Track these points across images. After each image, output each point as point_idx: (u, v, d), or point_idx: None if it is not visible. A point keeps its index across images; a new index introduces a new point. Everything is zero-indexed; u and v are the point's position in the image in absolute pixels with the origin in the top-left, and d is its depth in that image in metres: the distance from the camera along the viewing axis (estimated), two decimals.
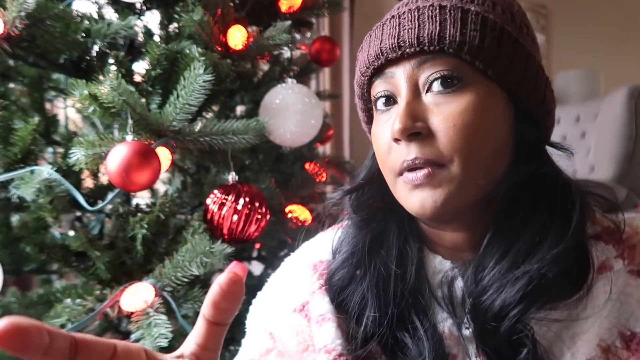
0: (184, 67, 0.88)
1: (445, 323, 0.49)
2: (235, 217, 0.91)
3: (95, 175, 1.04)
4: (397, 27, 0.46)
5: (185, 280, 0.87)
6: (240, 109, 1.19)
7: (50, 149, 1.11)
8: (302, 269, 0.57)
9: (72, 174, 0.91)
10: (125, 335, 1.06)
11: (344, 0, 1.28)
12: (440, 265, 0.51)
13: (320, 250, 0.57)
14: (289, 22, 1.05)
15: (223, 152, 0.93)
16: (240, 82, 1.14)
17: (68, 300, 0.87)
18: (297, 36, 1.28)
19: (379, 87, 0.49)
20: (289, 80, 1.12)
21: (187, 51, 0.92)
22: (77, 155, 0.83)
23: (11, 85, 1.08)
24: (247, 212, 0.92)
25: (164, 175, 1.12)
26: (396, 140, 0.45)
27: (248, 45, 1.01)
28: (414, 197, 0.45)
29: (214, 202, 0.92)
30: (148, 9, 1.09)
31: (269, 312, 0.57)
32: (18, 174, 0.86)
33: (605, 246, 0.47)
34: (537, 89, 0.48)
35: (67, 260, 0.95)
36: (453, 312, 0.48)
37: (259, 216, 0.93)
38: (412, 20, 0.45)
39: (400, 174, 0.46)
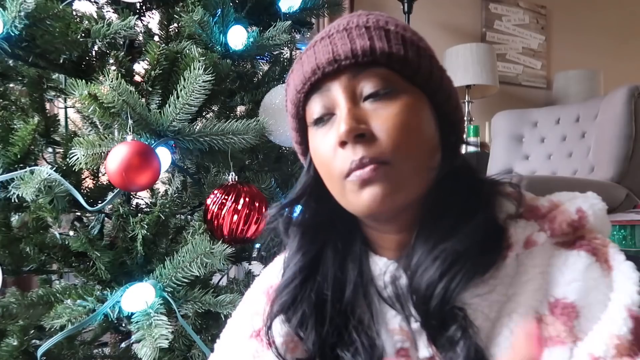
0: (184, 67, 0.88)
1: (395, 320, 0.52)
2: (235, 218, 0.91)
3: (95, 175, 1.04)
4: (329, 45, 0.50)
5: (186, 280, 0.87)
6: (240, 109, 1.19)
7: (50, 149, 1.10)
8: (257, 296, 0.61)
9: (72, 174, 0.91)
10: (126, 335, 1.06)
11: (344, 1, 1.28)
12: (385, 266, 0.54)
13: (272, 276, 0.61)
14: (289, 22, 1.05)
15: (223, 152, 0.93)
16: (240, 82, 1.14)
17: (68, 301, 0.87)
18: (297, 36, 1.28)
19: (316, 103, 0.51)
20: None
21: (187, 51, 0.92)
22: (77, 155, 0.83)
23: (11, 85, 1.08)
24: (247, 212, 0.92)
25: (164, 175, 1.12)
26: (342, 144, 0.48)
27: (248, 45, 1.01)
28: (364, 194, 0.48)
29: (214, 202, 0.92)
30: (148, 9, 1.09)
31: (226, 339, 0.62)
32: (18, 174, 0.86)
33: (527, 222, 0.50)
34: (452, 97, 0.54)
35: (67, 260, 0.95)
36: (401, 309, 0.51)
37: (259, 216, 0.93)
38: (343, 38, 0.50)
39: (348, 175, 0.49)
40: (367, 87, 0.49)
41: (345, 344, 0.53)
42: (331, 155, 0.50)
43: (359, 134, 0.47)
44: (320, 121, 0.52)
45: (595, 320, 0.45)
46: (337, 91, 0.50)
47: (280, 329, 0.56)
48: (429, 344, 0.50)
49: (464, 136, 0.59)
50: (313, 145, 0.53)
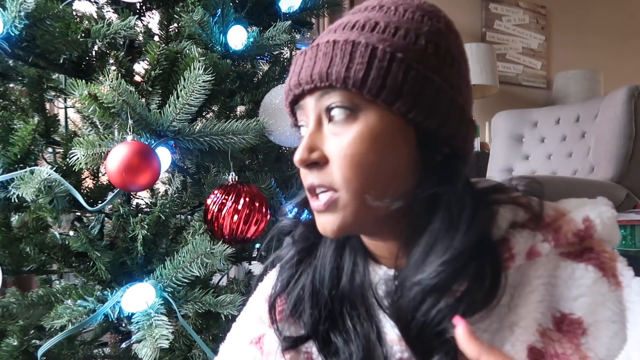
0: (184, 67, 0.88)
1: (394, 330, 0.51)
2: (235, 218, 0.91)
3: (95, 175, 1.04)
4: (302, 63, 0.49)
5: (186, 280, 0.87)
6: (240, 109, 1.19)
7: (50, 149, 1.10)
8: (259, 303, 0.62)
9: (72, 174, 0.91)
10: (126, 335, 1.06)
11: (344, 1, 1.28)
12: (385, 275, 0.53)
13: (272, 283, 0.61)
14: (289, 22, 1.05)
15: (223, 152, 0.93)
16: (240, 82, 1.14)
17: (68, 301, 0.86)
18: (297, 36, 1.28)
19: (298, 117, 0.52)
20: None
21: (187, 51, 0.92)
22: (77, 155, 0.82)
23: (11, 85, 1.08)
24: (248, 212, 0.92)
25: (164, 175, 1.12)
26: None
27: (248, 45, 1.01)
28: (319, 220, 0.50)
29: (214, 203, 0.92)
30: (148, 9, 1.09)
31: (229, 344, 0.63)
32: (18, 174, 0.86)
33: (530, 232, 0.48)
34: (436, 110, 0.47)
35: (67, 260, 0.94)
36: (396, 321, 0.50)
37: (259, 216, 0.93)
38: (311, 59, 0.48)
39: (312, 195, 0.50)
40: (328, 108, 0.48)
41: (338, 330, 0.53)
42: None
43: (310, 164, 0.48)
44: (301, 129, 0.53)
45: (602, 338, 0.43)
46: (310, 110, 0.50)
47: (273, 340, 0.56)
48: None
49: (468, 148, 0.52)
50: None
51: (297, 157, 0.48)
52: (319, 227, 0.50)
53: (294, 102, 0.52)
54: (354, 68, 0.45)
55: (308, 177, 0.49)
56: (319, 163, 0.48)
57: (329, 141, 0.48)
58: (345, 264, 0.55)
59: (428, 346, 0.46)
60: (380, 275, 0.54)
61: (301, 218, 0.59)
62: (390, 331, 0.52)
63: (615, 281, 0.45)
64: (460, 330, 0.39)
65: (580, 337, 0.44)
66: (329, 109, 0.48)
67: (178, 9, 1.01)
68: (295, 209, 0.60)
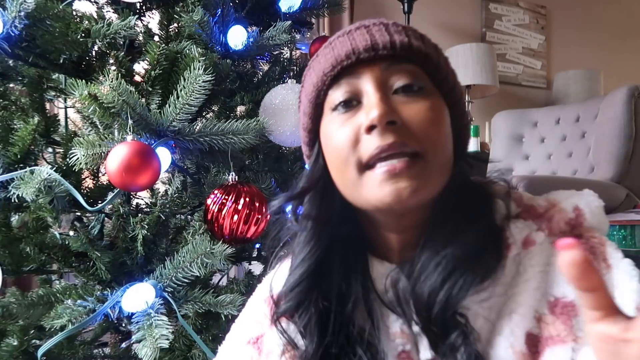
0: (184, 67, 0.88)
1: (396, 323, 0.52)
2: (235, 218, 0.91)
3: (95, 175, 1.04)
4: (367, 34, 0.50)
5: (186, 280, 0.87)
6: (240, 109, 1.19)
7: (50, 149, 1.10)
8: (258, 304, 0.61)
9: (72, 174, 0.91)
10: (126, 335, 1.06)
11: (344, 1, 1.28)
12: (386, 270, 0.54)
13: (274, 283, 0.60)
14: (289, 22, 1.05)
15: (223, 152, 0.93)
16: (240, 82, 1.14)
17: (68, 301, 0.86)
18: (297, 36, 1.27)
19: (343, 88, 0.50)
20: (289, 80, 1.12)
21: (187, 51, 0.92)
22: (77, 155, 0.82)
23: (11, 85, 1.08)
24: (248, 212, 0.92)
25: (164, 175, 1.12)
26: (370, 129, 0.47)
27: (248, 45, 1.01)
28: (389, 187, 0.47)
29: (214, 203, 0.92)
30: (148, 9, 1.09)
31: (228, 344, 0.63)
32: (18, 174, 0.86)
33: (524, 222, 0.51)
34: (465, 113, 0.55)
35: (67, 260, 0.94)
36: (402, 312, 0.51)
37: (259, 216, 0.93)
38: (381, 31, 0.50)
39: (370, 166, 0.48)
40: (399, 80, 0.49)
41: (347, 355, 0.52)
42: (351, 142, 0.48)
43: (390, 121, 0.47)
44: (344, 105, 0.50)
45: None
46: (367, 79, 0.49)
47: (272, 340, 0.56)
48: (430, 346, 0.49)
49: (468, 144, 0.59)
50: (328, 131, 0.52)
51: (377, 112, 0.46)
52: (388, 196, 0.47)
53: (339, 74, 0.50)
54: (429, 50, 0.51)
55: (385, 137, 0.46)
56: (397, 123, 0.47)
57: (403, 108, 0.48)
58: (353, 285, 0.54)
59: (444, 327, 0.47)
60: (383, 271, 0.54)
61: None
62: (393, 324, 0.52)
63: (606, 264, 0.46)
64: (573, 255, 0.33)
65: (573, 318, 0.45)
66: (400, 80, 0.49)
67: (178, 9, 1.01)
68: (290, 204, 0.58)
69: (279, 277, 0.59)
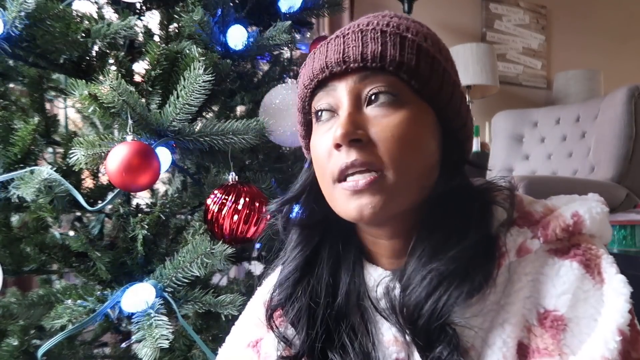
0: (184, 67, 0.88)
1: (390, 331, 0.52)
2: (235, 218, 0.91)
3: (95, 175, 1.04)
4: (342, 44, 0.49)
5: (186, 280, 0.87)
6: (240, 109, 1.19)
7: (50, 149, 1.10)
8: (257, 307, 0.62)
9: (72, 174, 0.91)
10: (126, 335, 1.06)
11: (344, 1, 1.28)
12: (380, 276, 0.54)
13: (272, 287, 0.60)
14: (289, 22, 1.05)
15: (223, 152, 0.93)
16: (240, 82, 1.14)
17: (69, 301, 0.86)
18: (297, 36, 1.27)
19: (321, 100, 0.51)
20: (289, 80, 1.12)
21: (187, 51, 0.91)
22: (77, 155, 0.82)
23: (11, 85, 1.08)
24: (248, 212, 0.92)
25: (164, 175, 1.12)
26: (337, 146, 0.48)
27: (248, 45, 1.01)
28: (353, 203, 0.48)
29: (214, 203, 0.92)
30: (148, 9, 1.09)
31: (227, 346, 0.63)
32: (18, 174, 0.86)
33: (519, 229, 0.49)
34: (461, 114, 0.52)
35: (67, 260, 0.94)
36: (396, 320, 0.50)
37: (260, 216, 0.93)
38: (356, 40, 0.49)
39: (340, 180, 0.48)
40: (371, 92, 0.48)
41: (335, 347, 0.53)
42: (326, 155, 0.50)
43: (355, 139, 0.47)
44: (324, 115, 0.51)
45: (582, 335, 0.44)
46: (342, 92, 0.49)
47: (270, 344, 0.57)
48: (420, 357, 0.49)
49: (469, 155, 0.57)
50: (313, 140, 0.53)
51: (340, 132, 0.46)
52: (353, 211, 0.48)
53: (317, 86, 0.51)
54: (406, 57, 0.48)
55: (349, 154, 0.47)
56: (362, 141, 0.47)
57: (372, 122, 0.48)
58: (342, 280, 0.55)
59: (430, 338, 0.47)
60: (375, 277, 0.54)
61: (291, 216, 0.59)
62: (387, 332, 0.52)
63: (600, 278, 0.46)
64: None
65: (561, 333, 0.44)
66: (372, 92, 0.48)
67: (178, 9, 1.01)
68: (285, 207, 0.58)
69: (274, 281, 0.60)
